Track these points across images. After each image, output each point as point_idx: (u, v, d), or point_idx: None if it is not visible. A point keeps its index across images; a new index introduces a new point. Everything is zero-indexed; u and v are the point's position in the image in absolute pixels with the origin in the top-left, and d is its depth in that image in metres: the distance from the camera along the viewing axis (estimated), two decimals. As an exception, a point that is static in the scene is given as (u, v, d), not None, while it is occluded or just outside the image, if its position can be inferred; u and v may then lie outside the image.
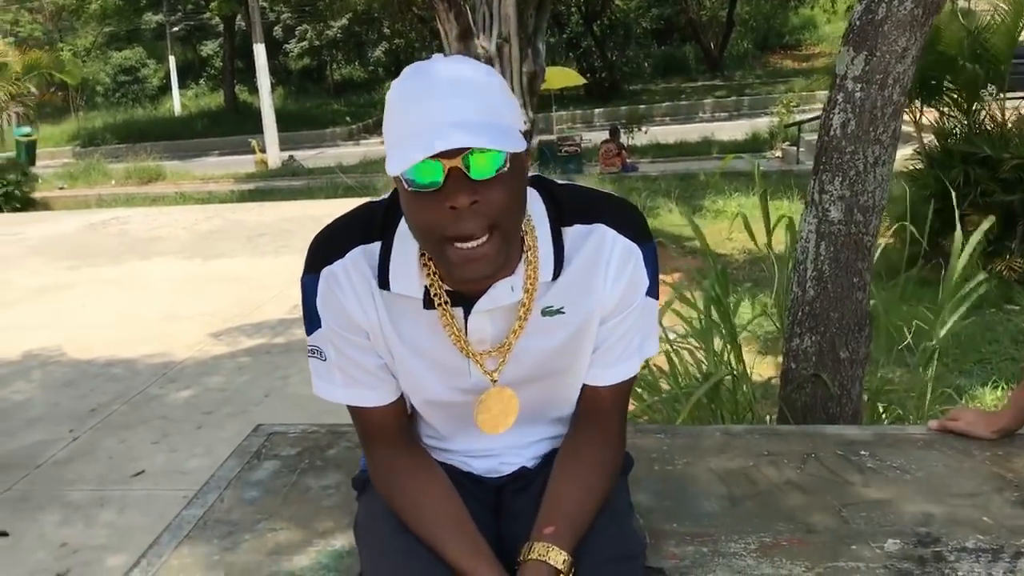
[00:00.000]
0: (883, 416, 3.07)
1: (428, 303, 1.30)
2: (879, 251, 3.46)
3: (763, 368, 4.09)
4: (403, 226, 1.28)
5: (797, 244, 2.84)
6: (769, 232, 3.17)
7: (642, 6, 31.13)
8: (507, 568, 1.31)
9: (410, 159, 1.10)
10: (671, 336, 3.32)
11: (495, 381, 1.35)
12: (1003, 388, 4.53)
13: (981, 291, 3.25)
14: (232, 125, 26.83)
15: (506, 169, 1.15)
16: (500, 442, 1.47)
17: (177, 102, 30.66)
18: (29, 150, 19.82)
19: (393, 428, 1.42)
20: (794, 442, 1.94)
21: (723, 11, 29.64)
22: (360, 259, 1.30)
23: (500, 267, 1.21)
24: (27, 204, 15.53)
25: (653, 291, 1.38)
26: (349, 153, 21.97)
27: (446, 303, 1.29)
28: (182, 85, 31.72)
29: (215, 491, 1.84)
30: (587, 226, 1.31)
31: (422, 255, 1.28)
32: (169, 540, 1.64)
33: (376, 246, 1.31)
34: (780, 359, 3.80)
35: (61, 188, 18.09)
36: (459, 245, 1.16)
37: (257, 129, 22.05)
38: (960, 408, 2.10)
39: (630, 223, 1.34)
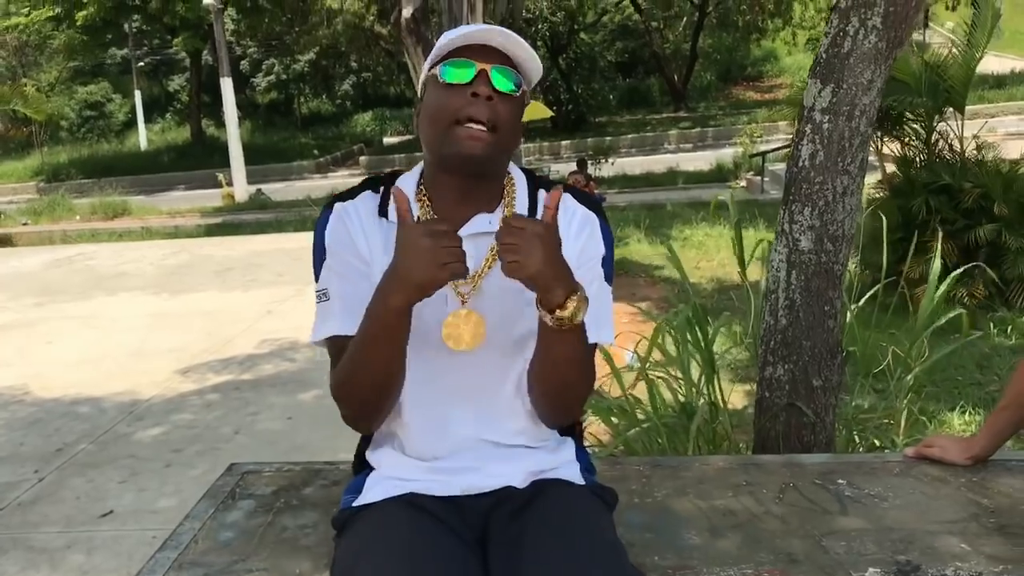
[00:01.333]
0: (857, 444, 3.08)
1: None
2: (852, 280, 3.51)
3: (736, 397, 4.11)
4: (406, 174, 1.55)
5: (768, 274, 2.87)
6: (742, 261, 3.19)
7: (607, 40, 31.56)
8: None
9: (456, 42, 1.43)
10: (635, 365, 3.34)
11: (464, 303, 1.47)
12: (970, 413, 4.58)
13: (949, 320, 3.30)
14: (199, 159, 26.70)
15: (518, 95, 1.45)
16: (475, 429, 1.51)
17: (143, 136, 30.48)
18: (-9, 186, 19.56)
19: None
20: (772, 472, 1.95)
21: (686, 44, 30.09)
22: (369, 200, 1.54)
23: (488, 164, 1.44)
24: (-11, 240, 15.33)
25: (608, 269, 1.54)
26: (318, 186, 21.93)
27: None
28: (148, 119, 31.55)
29: (189, 532, 1.80)
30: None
31: (417, 192, 1.51)
32: (143, 583, 1.61)
33: (380, 190, 1.55)
34: (753, 387, 3.82)
35: (24, 224, 17.86)
36: (468, 125, 1.40)
37: (224, 163, 21.98)
38: (934, 435, 2.12)
39: (591, 203, 1.57)
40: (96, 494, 4.04)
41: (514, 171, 1.57)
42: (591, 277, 1.49)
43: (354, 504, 1.52)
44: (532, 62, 1.46)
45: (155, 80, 34.76)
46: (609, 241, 1.55)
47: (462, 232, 1.42)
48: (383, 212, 1.52)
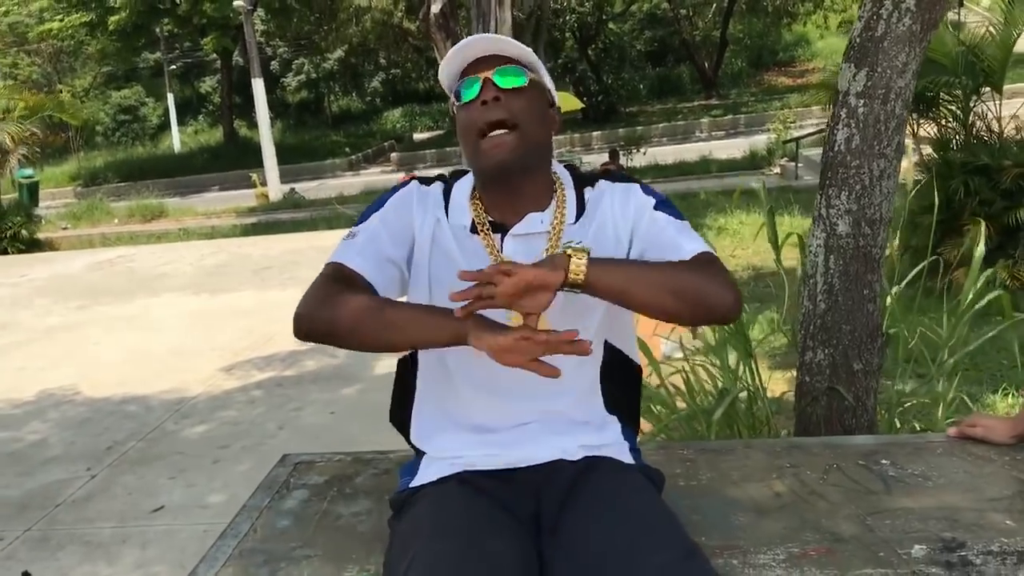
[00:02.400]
0: (899, 428, 3.08)
1: (474, 230, 1.58)
2: (895, 263, 3.50)
3: (775, 384, 4.11)
4: (464, 177, 1.65)
5: (806, 258, 2.88)
6: (777, 248, 3.20)
7: (636, 29, 31.41)
8: None
9: (452, 68, 1.56)
10: (678, 355, 3.36)
11: None
12: (1013, 395, 4.54)
13: (990, 302, 3.28)
14: (232, 160, 26.98)
15: (527, 87, 1.54)
16: (524, 409, 1.56)
17: (176, 139, 30.86)
18: (32, 192, 19.90)
19: (358, 285, 1.53)
20: (815, 454, 1.97)
21: (716, 31, 29.86)
22: (438, 193, 1.64)
23: (522, 162, 1.51)
24: (31, 245, 15.62)
25: (669, 209, 1.58)
26: (349, 183, 22.09)
27: (488, 229, 1.58)
28: (181, 122, 31.95)
29: (247, 521, 1.86)
30: (593, 187, 1.64)
31: (472, 194, 1.61)
32: (206, 570, 1.67)
33: (441, 187, 1.65)
34: (792, 374, 3.82)
35: (65, 228, 18.18)
36: (490, 135, 1.50)
37: (257, 163, 22.19)
38: (976, 415, 2.12)
39: (622, 177, 1.66)
40: (147, 490, 4.13)
41: (559, 169, 1.65)
42: (656, 219, 1.55)
43: (410, 485, 1.58)
44: (525, 52, 1.55)
45: (187, 83, 35.17)
46: (654, 193, 1.61)
47: (514, 231, 1.57)
48: (445, 213, 1.61)
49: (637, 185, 1.62)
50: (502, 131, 1.50)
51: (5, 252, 14.78)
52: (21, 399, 5.62)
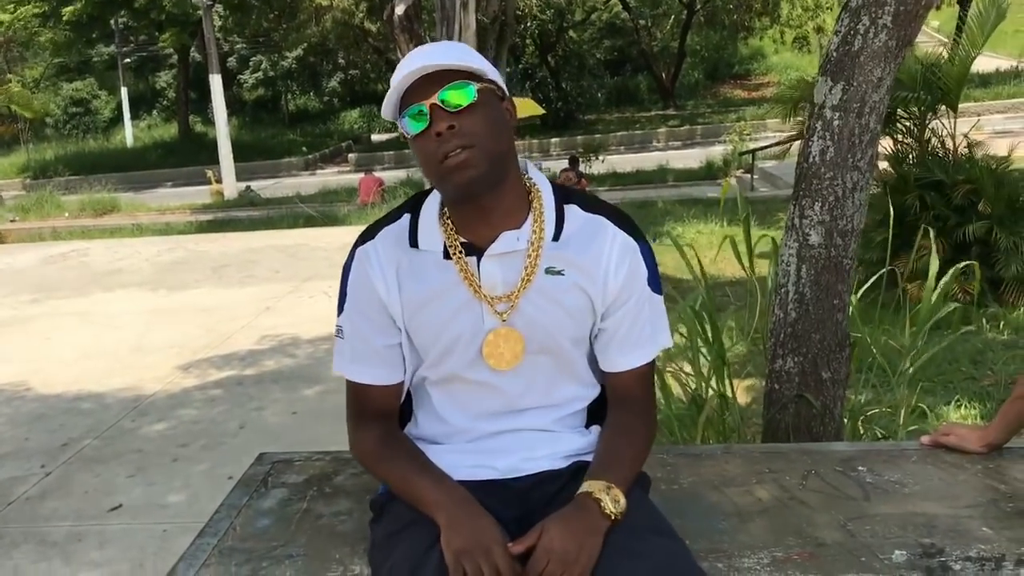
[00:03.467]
0: (862, 435, 3.14)
1: (447, 255, 1.51)
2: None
3: (740, 391, 4.16)
4: (431, 197, 1.55)
5: (778, 268, 2.92)
6: (751, 255, 3.24)
7: (595, 37, 31.64)
8: None
9: (396, 98, 1.44)
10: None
11: (505, 320, 1.50)
12: (966, 407, 4.65)
13: (947, 315, 3.36)
14: (186, 156, 26.67)
15: (477, 100, 1.42)
16: (514, 422, 1.56)
17: (130, 133, 30.37)
18: (-22, 182, 19.47)
19: (379, 407, 1.59)
20: (794, 460, 2.00)
21: (675, 42, 30.21)
22: (387, 235, 1.55)
23: (486, 177, 1.42)
24: (-22, 237, 15.25)
25: (655, 285, 1.57)
26: (306, 183, 21.93)
27: (461, 252, 1.50)
28: (135, 116, 31.46)
29: (226, 520, 1.83)
30: (589, 214, 1.54)
31: (441, 215, 1.52)
32: (186, 569, 1.64)
33: (405, 219, 1.56)
34: (753, 382, 3.87)
35: (13, 220, 17.79)
36: (447, 159, 1.40)
37: (212, 160, 21.95)
38: (949, 424, 2.17)
39: (627, 222, 1.56)
40: (104, 488, 4.05)
41: (538, 179, 1.56)
42: (640, 301, 1.54)
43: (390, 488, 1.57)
44: (465, 55, 1.46)
45: (141, 77, 34.63)
46: (651, 259, 1.56)
47: (492, 251, 1.49)
48: (413, 243, 1.53)
49: (638, 245, 1.54)
50: (457, 151, 1.40)
51: (-51, 243, 14.41)
52: (-30, 394, 5.48)
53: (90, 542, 3.56)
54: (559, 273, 1.50)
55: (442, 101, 1.40)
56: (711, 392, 3.07)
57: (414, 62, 1.43)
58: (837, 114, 2.71)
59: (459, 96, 1.41)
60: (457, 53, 1.46)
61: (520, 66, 28.13)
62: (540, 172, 1.57)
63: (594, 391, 1.62)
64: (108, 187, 20.36)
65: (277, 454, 2.17)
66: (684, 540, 1.44)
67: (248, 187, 20.61)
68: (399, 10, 10.37)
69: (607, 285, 1.52)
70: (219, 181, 21.11)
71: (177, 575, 1.64)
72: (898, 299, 4.75)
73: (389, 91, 1.45)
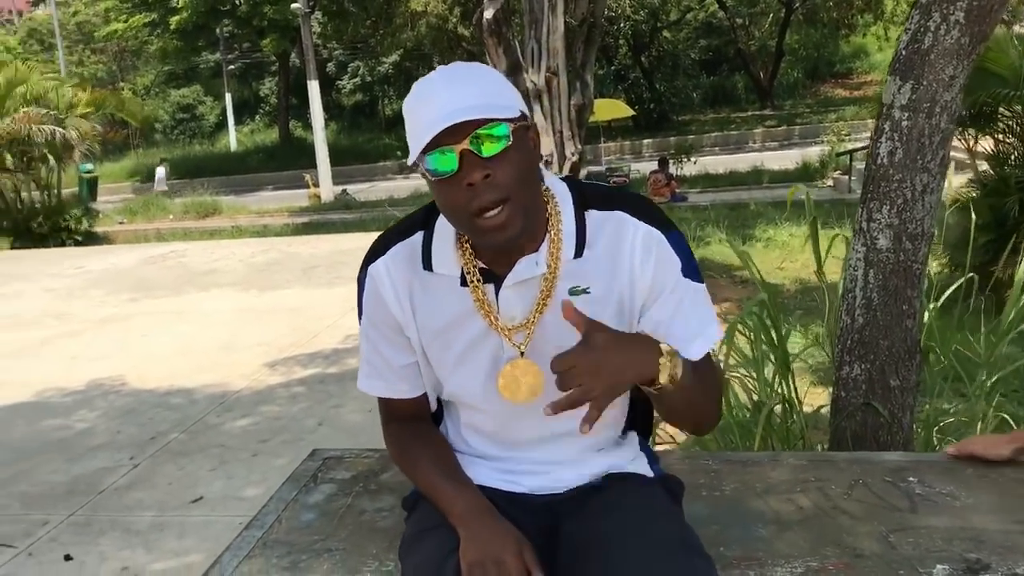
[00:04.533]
0: (936, 446, 3.04)
1: (464, 282, 1.45)
2: (934, 280, 3.45)
3: (815, 398, 4.07)
4: (442, 216, 1.44)
5: (845, 272, 2.85)
6: (819, 260, 3.17)
7: (690, 37, 31.26)
8: None
9: (421, 143, 1.30)
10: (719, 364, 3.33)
11: (523, 353, 1.44)
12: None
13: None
14: (286, 160, 27.39)
15: (511, 143, 1.31)
16: (547, 454, 1.53)
17: (233, 138, 31.41)
18: (91, 186, 20.45)
19: (406, 414, 1.59)
20: (842, 468, 1.95)
21: (772, 41, 29.59)
22: (399, 253, 1.49)
23: (523, 230, 1.34)
24: (89, 238, 16.01)
25: (692, 274, 1.45)
26: (400, 186, 22.28)
27: (479, 280, 1.44)
28: (238, 121, 32.52)
29: (273, 513, 1.89)
30: (607, 212, 1.44)
31: (458, 238, 1.45)
32: (230, 560, 1.70)
33: (418, 236, 1.48)
34: (828, 389, 3.76)
35: (121, 223, 18.61)
36: (484, 217, 1.31)
37: (311, 163, 22.50)
38: (973, 437, 2.07)
39: (647, 211, 1.45)
40: (187, 481, 4.21)
41: (556, 189, 1.46)
42: (676, 291, 1.43)
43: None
44: (495, 88, 1.34)
45: (245, 83, 35.76)
46: (682, 247, 1.45)
47: (509, 281, 1.42)
48: (427, 265, 1.46)
49: (662, 234, 1.43)
50: (497, 210, 1.30)
51: (63, 244, 15.16)
52: (71, 388, 5.76)
53: (171, 532, 3.71)
54: (584, 291, 1.42)
55: (473, 148, 1.29)
56: (774, 398, 3.01)
57: (440, 102, 1.30)
58: (906, 114, 2.62)
59: (492, 143, 1.29)
60: (487, 89, 1.33)
61: (613, 67, 28.01)
62: (555, 177, 1.48)
63: (626, 402, 1.59)
64: (211, 190, 21.12)
65: (329, 450, 2.23)
66: (709, 556, 1.40)
67: (344, 190, 21.09)
68: (488, 14, 10.44)
69: (635, 285, 1.43)
70: (316, 185, 21.64)
71: (222, 565, 1.70)
72: (993, 307, 4.57)
73: (411, 130, 1.34)
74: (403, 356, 1.54)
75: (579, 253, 1.43)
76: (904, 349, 2.75)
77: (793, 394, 3.06)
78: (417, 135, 1.31)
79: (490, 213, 1.30)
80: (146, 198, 20.70)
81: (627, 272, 1.43)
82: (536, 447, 1.54)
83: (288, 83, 30.15)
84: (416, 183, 23.04)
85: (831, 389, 2.95)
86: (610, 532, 1.40)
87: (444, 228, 1.46)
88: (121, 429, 4.97)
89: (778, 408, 3.08)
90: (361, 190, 21.93)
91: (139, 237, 16.28)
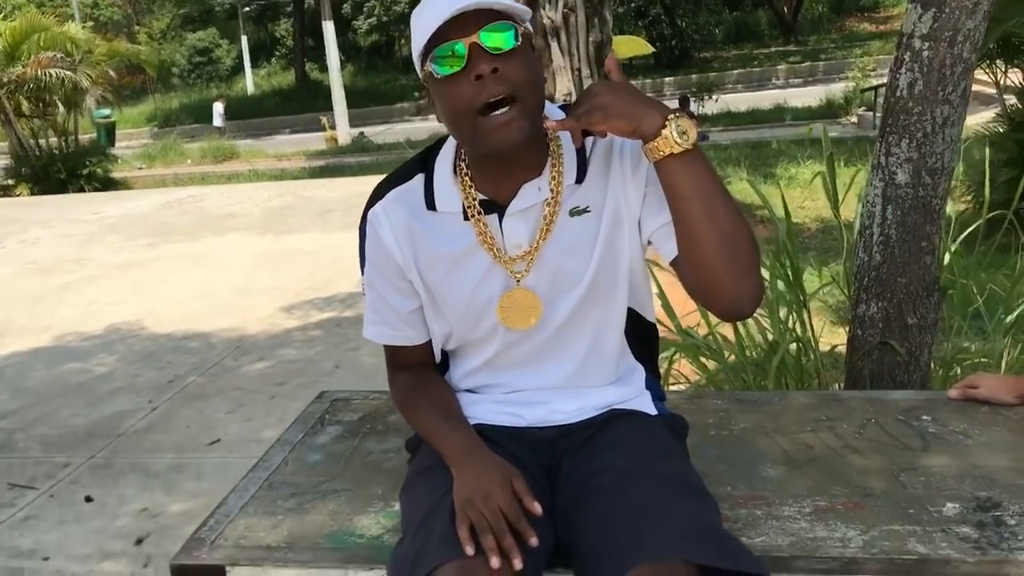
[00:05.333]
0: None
1: (467, 216, 1.45)
2: (956, 217, 3.38)
3: (832, 338, 4.02)
4: (442, 152, 1.47)
5: (862, 209, 2.79)
6: (835, 198, 3.11)
7: (712, -29, 30.57)
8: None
9: (428, 32, 1.29)
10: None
11: (519, 281, 1.45)
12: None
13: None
14: (303, 103, 27.24)
15: (519, 44, 1.31)
16: (546, 378, 1.53)
17: (250, 81, 31.22)
18: (109, 132, 20.45)
19: (412, 361, 1.61)
20: (855, 408, 1.92)
21: (797, -26, 28.91)
22: (398, 197, 1.49)
23: (527, 138, 1.33)
24: (107, 184, 16.04)
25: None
26: (417, 128, 22.10)
27: (480, 212, 1.44)
28: (254, 64, 32.29)
29: (280, 454, 1.90)
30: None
31: (457, 172, 1.45)
32: (236, 500, 1.71)
33: (417, 180, 1.48)
34: (844, 327, 3.72)
35: (139, 168, 18.64)
36: (491, 115, 1.30)
37: (327, 106, 22.36)
38: (978, 374, 2.03)
39: None
40: (205, 424, 4.24)
41: (554, 115, 1.41)
42: None
43: None
44: (516, 7, 1.33)
45: (261, 25, 35.44)
46: None
47: (513, 208, 1.42)
48: (430, 205, 1.46)
49: None
50: (504, 109, 1.29)
51: (82, 190, 15.20)
52: (90, 332, 5.80)
53: (189, 473, 3.74)
54: (585, 211, 1.43)
55: (483, 41, 1.28)
56: (788, 338, 2.97)
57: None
58: (927, 44, 2.54)
59: (501, 39, 1.29)
60: None
61: (633, 3, 27.47)
62: (553, 105, 1.45)
63: (620, 325, 1.54)
64: (229, 134, 21.08)
65: (337, 392, 2.23)
66: (712, 496, 1.39)
67: (361, 133, 20.96)
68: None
69: (628, 193, 1.42)
70: (333, 127, 21.53)
71: (227, 506, 1.70)
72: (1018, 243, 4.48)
73: (416, 31, 1.34)
74: (407, 301, 1.54)
75: (580, 178, 1.43)
76: (922, 287, 2.70)
77: (809, 333, 3.02)
78: (425, 27, 1.30)
79: (497, 112, 1.30)
80: (164, 143, 20.67)
81: (620, 183, 1.43)
82: (535, 369, 1.53)
83: (303, 24, 29.85)
84: (433, 125, 22.84)
85: (847, 328, 2.92)
86: (609, 470, 1.40)
87: (444, 166, 1.47)
88: (140, 373, 5.00)
89: (793, 347, 3.05)
90: (378, 132, 21.76)
91: (157, 182, 16.31)
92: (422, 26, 1.32)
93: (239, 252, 7.99)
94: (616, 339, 1.54)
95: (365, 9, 32.33)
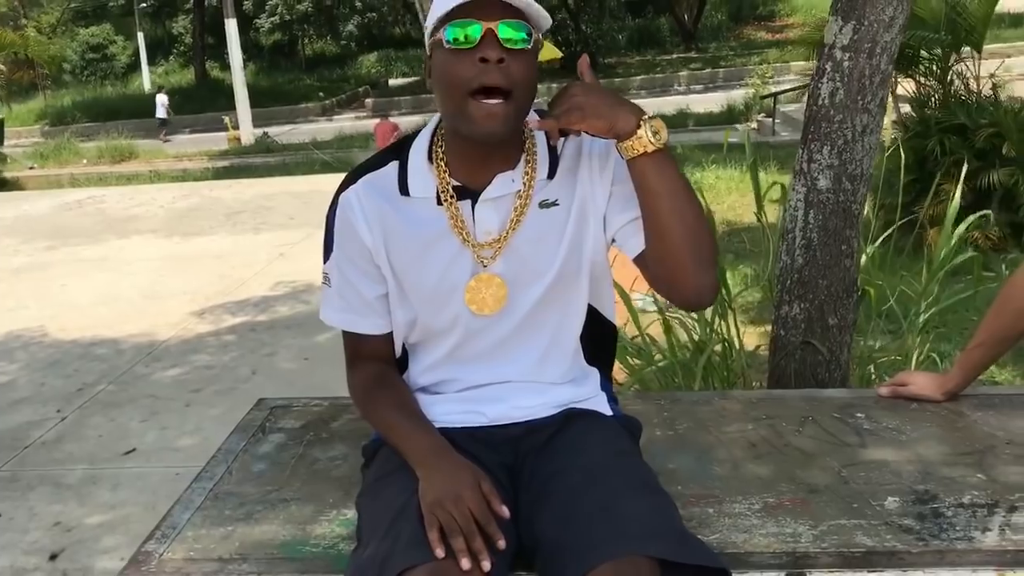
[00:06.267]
0: (872, 382, 3.12)
1: (440, 201, 1.48)
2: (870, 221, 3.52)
3: (749, 338, 4.14)
4: (417, 139, 1.51)
5: (785, 213, 2.88)
6: (760, 201, 3.20)
7: (616, -23, 31.03)
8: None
9: (441, 9, 1.34)
10: (652, 308, 3.37)
11: (485, 267, 1.48)
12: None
13: (963, 262, 3.32)
14: (204, 102, 26.53)
15: (529, 47, 1.36)
16: (505, 371, 1.54)
17: (147, 79, 30.24)
18: (-3, 129, 19.52)
19: (373, 354, 1.59)
20: (792, 406, 1.98)
21: (697, -18, 29.59)
22: (372, 184, 1.50)
23: (509, 133, 1.39)
24: (-2, 184, 15.34)
25: None
26: (323, 129, 21.82)
27: (453, 197, 1.47)
28: (151, 62, 31.31)
29: (222, 464, 1.85)
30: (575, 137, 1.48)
31: (432, 158, 1.48)
32: (182, 512, 1.66)
33: (392, 166, 1.50)
34: (765, 329, 3.84)
35: (32, 168, 17.87)
36: (482, 101, 1.34)
37: (229, 106, 21.84)
38: (906, 372, 2.13)
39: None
40: (118, 433, 4.11)
41: (532, 117, 1.47)
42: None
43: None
44: (539, 12, 1.37)
45: (158, 22, 34.39)
46: None
47: (485, 196, 1.46)
48: (404, 190, 1.49)
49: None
50: (497, 100, 1.34)
51: (-30, 191, 14.50)
52: (-12, 340, 5.55)
53: (104, 485, 3.62)
54: (554, 204, 1.48)
55: (499, 31, 1.33)
56: (714, 339, 3.05)
57: None
58: (847, 55, 2.64)
59: (516, 36, 1.34)
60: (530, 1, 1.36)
61: (539, 8, 27.68)
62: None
63: (580, 320, 1.57)
64: (126, 134, 20.38)
65: (276, 399, 2.18)
66: (669, 495, 1.42)
67: (265, 133, 20.54)
68: (413, -49, 10.23)
69: (595, 192, 1.48)
70: (236, 127, 21.06)
71: (173, 518, 1.65)
72: (918, 245, 4.69)
73: (438, 6, 1.37)
74: (375, 287, 1.54)
75: (552, 174, 1.49)
76: (842, 288, 2.80)
77: (734, 334, 3.11)
78: (443, 2, 1.35)
79: (490, 100, 1.34)
80: (57, 142, 19.85)
81: (588, 180, 1.48)
82: (497, 359, 1.54)
83: (204, 22, 29.08)
84: (339, 125, 22.57)
85: (768, 328, 3.01)
86: (571, 470, 1.42)
87: (419, 152, 1.49)
88: (45, 381, 4.81)
89: (717, 348, 3.13)
90: (282, 132, 21.38)
91: (52, 183, 15.66)
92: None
93: (145, 255, 7.76)
94: (575, 335, 1.57)
95: (267, 7, 31.71)
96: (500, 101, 1.34)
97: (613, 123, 1.34)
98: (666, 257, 1.40)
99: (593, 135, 1.41)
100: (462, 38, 1.34)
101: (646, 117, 1.35)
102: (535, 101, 1.43)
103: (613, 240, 1.51)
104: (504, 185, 1.46)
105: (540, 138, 1.49)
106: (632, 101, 1.38)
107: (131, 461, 3.83)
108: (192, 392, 4.54)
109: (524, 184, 1.47)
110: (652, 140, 1.34)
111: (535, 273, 1.49)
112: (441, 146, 1.49)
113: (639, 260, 1.47)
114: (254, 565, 1.49)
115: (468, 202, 1.47)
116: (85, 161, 18.36)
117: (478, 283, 1.48)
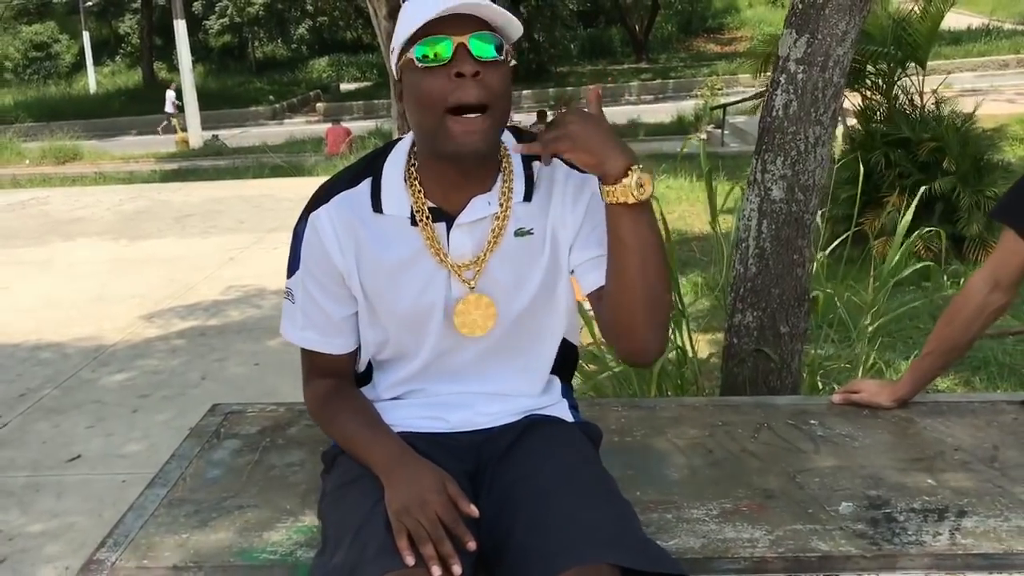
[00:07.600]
0: (821, 389, 3.17)
1: (415, 221, 1.45)
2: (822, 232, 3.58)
3: (700, 346, 4.18)
4: (391, 156, 1.48)
5: (739, 223, 2.92)
6: (714, 211, 3.24)
7: (569, -13, 31.22)
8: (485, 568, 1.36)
9: (418, 21, 1.30)
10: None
11: (473, 288, 1.47)
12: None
13: (909, 273, 3.40)
14: (151, 103, 26.14)
15: (502, 58, 1.34)
16: (473, 386, 1.54)
17: (92, 79, 29.72)
18: (-65, 128, 19.03)
19: (332, 371, 1.57)
20: (746, 412, 2.01)
21: (649, -7, 29.91)
22: (345, 202, 1.46)
23: (488, 149, 1.37)
24: (-65, 184, 14.92)
25: None
26: (273, 132, 21.62)
27: (428, 218, 1.44)
28: (97, 62, 30.77)
29: (176, 470, 1.82)
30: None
31: (407, 177, 1.45)
32: (135, 519, 1.62)
33: (365, 184, 1.47)
34: (714, 336, 3.89)
35: (-29, 168, 17.40)
36: (462, 118, 1.32)
37: (177, 107, 21.56)
38: (858, 380, 2.18)
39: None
40: (63, 439, 4.02)
41: (507, 140, 1.48)
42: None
43: None
44: (510, 24, 1.36)
45: (104, 21, 33.83)
46: None
47: (462, 219, 1.44)
48: (376, 207, 1.45)
49: (594, 179, 1.42)
50: (475, 115, 1.32)
51: (-94, 191, 14.08)
52: (-74, 343, 5.40)
53: (48, 492, 3.53)
54: (528, 233, 1.47)
55: (471, 45, 1.31)
56: (669, 345, 3.07)
57: None
58: (801, 68, 2.69)
59: (488, 48, 1.32)
60: (502, 11, 1.35)
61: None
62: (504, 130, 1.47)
63: (555, 346, 1.59)
64: (70, 134, 19.97)
65: (231, 405, 2.15)
66: (630, 502, 1.43)
67: (215, 136, 20.32)
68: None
69: (566, 225, 1.47)
70: (184, 129, 20.78)
71: (125, 525, 1.62)
72: (864, 256, 4.79)
73: (405, 19, 1.34)
74: (342, 308, 1.52)
75: (528, 197, 1.47)
76: (794, 297, 2.85)
77: (688, 342, 3.14)
78: (417, 15, 1.31)
79: (468, 116, 1.32)
80: (-1, 141, 19.41)
81: (559, 209, 1.47)
82: (469, 376, 1.54)
83: (152, 22, 28.68)
84: (290, 129, 22.38)
85: (719, 336, 3.05)
86: (534, 477, 1.42)
87: (393, 169, 1.47)
88: (-14, 386, 4.69)
89: (671, 355, 3.15)
90: (232, 136, 21.16)
91: (-8, 183, 15.28)
92: (414, 14, 1.33)
93: (91, 258, 7.61)
94: (549, 357, 1.58)
95: (217, 9, 31.36)
96: (478, 116, 1.32)
97: (601, 161, 1.31)
98: (621, 308, 1.39)
99: (579, 169, 1.41)
100: (432, 55, 1.31)
101: (636, 166, 1.30)
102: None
103: (572, 271, 1.51)
104: (480, 208, 1.44)
105: (516, 158, 1.47)
106: (628, 145, 1.33)
107: (76, 468, 3.74)
108: (140, 397, 4.46)
109: (501, 205, 1.45)
110: (635, 192, 1.30)
111: (513, 296, 1.49)
112: (415, 165, 1.46)
113: (593, 296, 1.47)
114: (209, 573, 1.47)
115: (443, 224, 1.45)
116: (28, 162, 17.96)
117: (467, 305, 1.47)
